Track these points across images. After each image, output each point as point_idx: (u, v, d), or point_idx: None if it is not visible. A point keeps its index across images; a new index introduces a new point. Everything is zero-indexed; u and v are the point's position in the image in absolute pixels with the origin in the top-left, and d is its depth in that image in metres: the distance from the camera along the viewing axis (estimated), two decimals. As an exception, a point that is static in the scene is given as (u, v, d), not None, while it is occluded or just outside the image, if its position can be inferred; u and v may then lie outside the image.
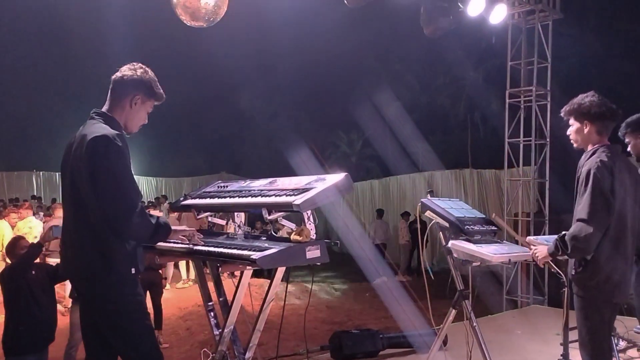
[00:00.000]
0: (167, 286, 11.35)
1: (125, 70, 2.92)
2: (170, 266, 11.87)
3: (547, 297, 8.14)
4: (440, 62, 25.15)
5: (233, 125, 32.14)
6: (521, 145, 8.82)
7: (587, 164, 3.08)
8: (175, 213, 11.45)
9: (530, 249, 3.39)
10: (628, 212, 3.08)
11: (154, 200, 18.33)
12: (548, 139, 8.66)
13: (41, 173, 22.60)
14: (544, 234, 7.53)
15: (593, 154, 3.12)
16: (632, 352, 5.06)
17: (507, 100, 8.82)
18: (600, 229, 2.96)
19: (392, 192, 18.51)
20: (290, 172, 3.36)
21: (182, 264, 12.16)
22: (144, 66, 2.98)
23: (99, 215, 2.68)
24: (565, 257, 3.15)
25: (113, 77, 2.93)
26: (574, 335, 4.36)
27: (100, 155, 2.66)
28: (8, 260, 5.12)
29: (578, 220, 3.01)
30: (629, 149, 4.38)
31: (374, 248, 14.40)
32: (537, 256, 3.30)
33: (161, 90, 2.99)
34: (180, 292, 11.47)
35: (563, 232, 3.08)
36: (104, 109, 2.91)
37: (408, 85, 27.33)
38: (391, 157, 23.49)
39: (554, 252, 3.13)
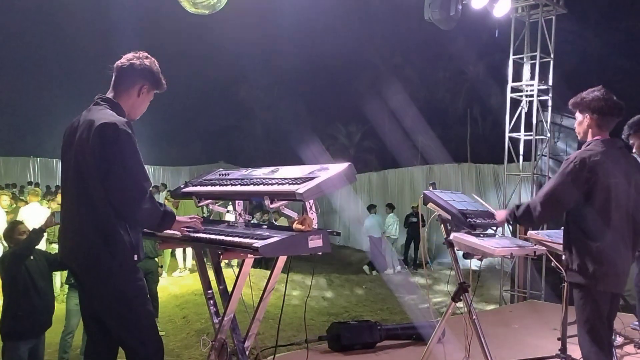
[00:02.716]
0: (164, 274, 11.34)
1: (133, 59, 2.90)
2: (167, 254, 11.86)
3: (545, 292, 8.15)
4: (441, 55, 25.11)
5: (232, 116, 32.10)
6: (522, 140, 8.81)
7: (573, 154, 3.19)
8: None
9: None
10: (624, 202, 3.11)
11: (152, 189, 18.30)
12: (549, 134, 8.65)
13: (38, 159, 22.58)
14: (543, 229, 7.53)
15: (587, 146, 3.21)
16: (629, 348, 5.07)
17: (509, 95, 8.80)
18: (547, 213, 3.20)
19: (389, 185, 18.50)
20: (287, 164, 3.34)
21: (179, 252, 12.15)
22: (149, 56, 2.97)
23: (104, 202, 2.65)
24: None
25: (118, 64, 2.91)
26: (572, 330, 4.39)
27: (110, 142, 2.64)
28: (4, 243, 5.10)
29: (537, 196, 3.25)
30: (634, 150, 4.36)
31: (378, 241, 14.36)
32: (497, 219, 3.63)
33: (164, 81, 2.99)
34: (176, 280, 11.46)
35: (519, 203, 3.38)
36: (109, 95, 2.89)
37: (408, 78, 27.29)
38: (390, 150, 23.49)
39: (508, 217, 3.45)
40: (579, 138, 3.36)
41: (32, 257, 4.47)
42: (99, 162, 2.64)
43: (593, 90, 3.25)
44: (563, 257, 3.27)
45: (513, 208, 3.38)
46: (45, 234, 4.66)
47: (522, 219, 3.33)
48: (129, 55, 2.92)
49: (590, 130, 3.25)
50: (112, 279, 2.71)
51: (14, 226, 4.69)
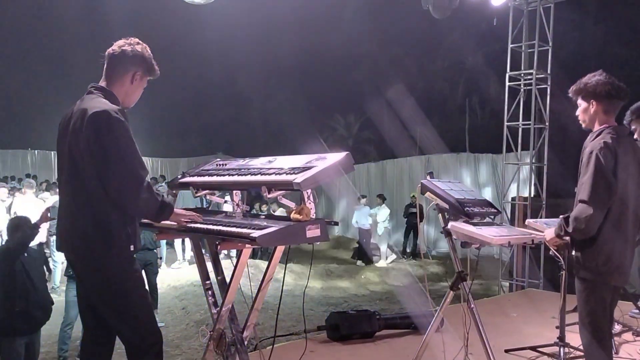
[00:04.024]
0: (163, 266, 11.36)
1: (124, 46, 2.85)
2: (163, 245, 11.87)
3: (543, 280, 8.18)
4: (439, 45, 25.02)
5: (230, 107, 31.98)
6: (520, 129, 8.80)
7: (590, 145, 3.07)
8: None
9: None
10: (630, 195, 3.06)
11: (151, 180, 18.27)
12: (547, 123, 8.64)
13: (36, 151, 22.51)
14: (541, 218, 7.53)
15: (598, 135, 3.11)
16: (627, 336, 5.09)
17: (507, 84, 8.78)
18: (601, 210, 2.97)
19: (388, 176, 18.50)
20: (285, 154, 3.32)
21: (178, 244, 12.16)
22: (140, 41, 2.92)
23: (100, 192, 2.63)
24: (568, 237, 3.15)
25: (109, 51, 2.86)
26: (570, 318, 4.40)
27: (104, 131, 2.61)
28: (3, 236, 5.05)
29: (580, 201, 3.02)
30: (635, 136, 4.34)
31: (367, 232, 14.33)
32: (546, 238, 3.35)
33: (157, 67, 2.96)
34: (175, 272, 11.48)
35: (567, 214, 3.09)
36: (102, 83, 2.85)
37: (406, 68, 27.19)
38: (388, 140, 23.44)
39: (559, 232, 3.17)
40: (583, 126, 3.27)
41: (26, 254, 4.43)
42: (93, 151, 2.61)
43: (594, 75, 3.16)
44: (573, 253, 3.16)
45: (562, 222, 3.11)
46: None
47: (576, 232, 3.04)
48: (120, 42, 2.87)
49: (597, 117, 3.16)
50: (108, 269, 2.69)
51: (17, 223, 4.61)
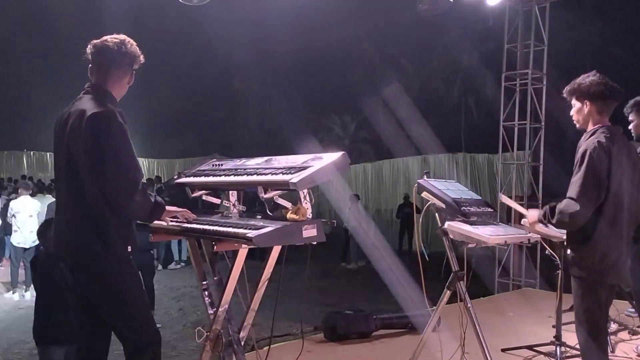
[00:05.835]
0: (159, 267, 11.35)
1: (120, 44, 2.80)
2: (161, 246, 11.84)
3: (539, 279, 8.19)
4: (435, 45, 25.04)
5: (226, 107, 31.95)
6: (516, 129, 8.81)
7: (584, 145, 3.08)
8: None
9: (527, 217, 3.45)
10: (625, 194, 3.07)
11: (146, 181, 18.21)
12: (543, 123, 8.65)
13: (32, 153, 22.47)
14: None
15: (592, 134, 3.12)
16: (623, 335, 5.11)
17: (503, 84, 8.78)
18: (588, 208, 2.97)
19: (385, 176, 18.53)
20: (282, 155, 3.31)
21: (174, 244, 12.15)
22: (127, 37, 2.86)
23: (97, 193, 2.62)
24: (550, 225, 3.18)
25: (100, 49, 2.79)
26: (566, 317, 4.41)
27: (103, 134, 2.60)
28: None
29: (568, 197, 3.02)
30: (630, 127, 4.36)
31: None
32: (528, 221, 3.35)
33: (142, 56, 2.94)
34: (172, 272, 11.47)
35: (554, 203, 3.10)
36: (99, 82, 2.82)
37: (402, 68, 27.24)
38: (384, 140, 23.47)
39: (541, 218, 3.18)
40: (577, 126, 3.27)
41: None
42: (90, 153, 2.60)
43: (588, 76, 3.17)
44: (568, 251, 3.18)
45: (547, 210, 3.12)
46: None
47: (559, 225, 3.08)
48: (109, 40, 2.80)
49: (591, 117, 3.16)
50: (106, 271, 2.69)
51: (50, 224, 4.45)
